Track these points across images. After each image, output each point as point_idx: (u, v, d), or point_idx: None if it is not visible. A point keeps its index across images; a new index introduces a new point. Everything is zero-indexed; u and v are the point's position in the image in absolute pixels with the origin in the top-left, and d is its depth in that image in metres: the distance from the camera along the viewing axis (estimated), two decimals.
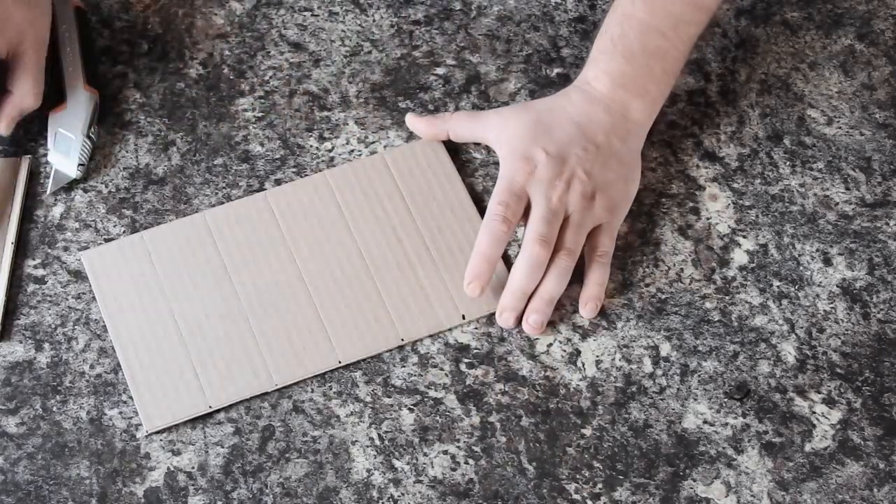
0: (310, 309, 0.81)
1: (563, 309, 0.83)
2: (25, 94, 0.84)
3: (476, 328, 0.82)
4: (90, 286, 0.82)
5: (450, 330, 0.82)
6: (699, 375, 0.81)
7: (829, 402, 0.80)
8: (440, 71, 0.92)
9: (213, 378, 0.79)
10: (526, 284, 0.80)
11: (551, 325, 0.82)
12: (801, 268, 0.85)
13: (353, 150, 0.89)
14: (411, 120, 0.88)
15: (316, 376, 0.80)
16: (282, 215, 0.84)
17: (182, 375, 0.79)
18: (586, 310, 0.82)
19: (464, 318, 0.81)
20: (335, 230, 0.84)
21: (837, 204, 0.87)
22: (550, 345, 0.82)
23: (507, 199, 0.80)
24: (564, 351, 0.82)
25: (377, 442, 0.78)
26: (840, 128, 0.90)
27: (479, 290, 0.80)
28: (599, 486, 0.77)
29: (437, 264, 0.83)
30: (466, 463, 0.78)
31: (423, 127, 0.87)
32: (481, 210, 0.84)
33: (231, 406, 0.79)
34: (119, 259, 0.83)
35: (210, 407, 0.78)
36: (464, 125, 0.87)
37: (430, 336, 0.82)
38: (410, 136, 0.89)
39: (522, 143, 0.82)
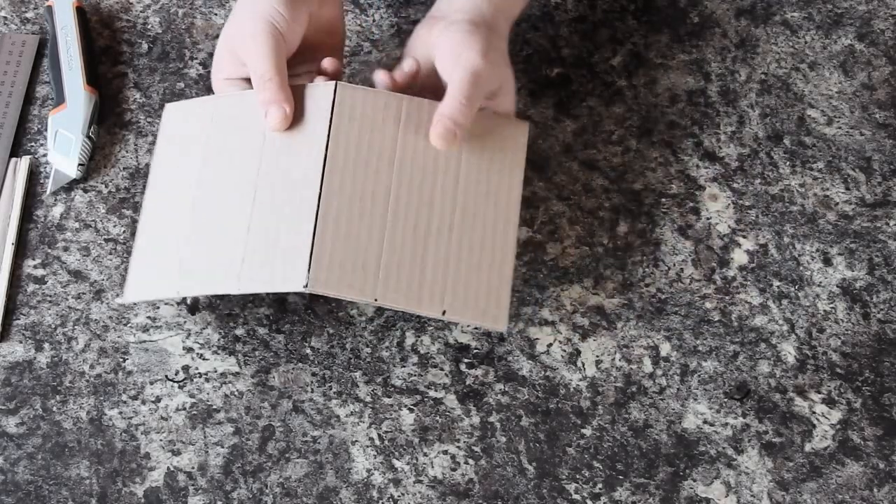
0: (307, 225, 0.74)
1: (563, 309, 0.83)
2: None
3: (476, 328, 0.82)
4: (90, 286, 0.82)
5: (449, 329, 0.82)
6: (699, 375, 0.81)
7: (829, 402, 0.80)
8: None
9: (194, 265, 0.76)
10: None
11: (552, 325, 0.82)
12: (801, 268, 0.85)
13: None
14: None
15: (317, 375, 0.80)
16: (339, 115, 0.77)
17: (172, 254, 0.77)
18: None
19: (444, 313, 0.75)
20: (380, 154, 0.77)
21: (837, 204, 0.87)
22: (550, 345, 0.82)
23: None
24: (564, 351, 0.82)
25: (377, 442, 0.78)
26: (840, 128, 0.90)
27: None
28: (599, 486, 0.77)
29: (451, 246, 0.76)
30: (466, 463, 0.78)
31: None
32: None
33: (231, 405, 0.79)
34: (190, 116, 0.79)
35: (178, 293, 0.76)
36: None
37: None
38: None
39: None
